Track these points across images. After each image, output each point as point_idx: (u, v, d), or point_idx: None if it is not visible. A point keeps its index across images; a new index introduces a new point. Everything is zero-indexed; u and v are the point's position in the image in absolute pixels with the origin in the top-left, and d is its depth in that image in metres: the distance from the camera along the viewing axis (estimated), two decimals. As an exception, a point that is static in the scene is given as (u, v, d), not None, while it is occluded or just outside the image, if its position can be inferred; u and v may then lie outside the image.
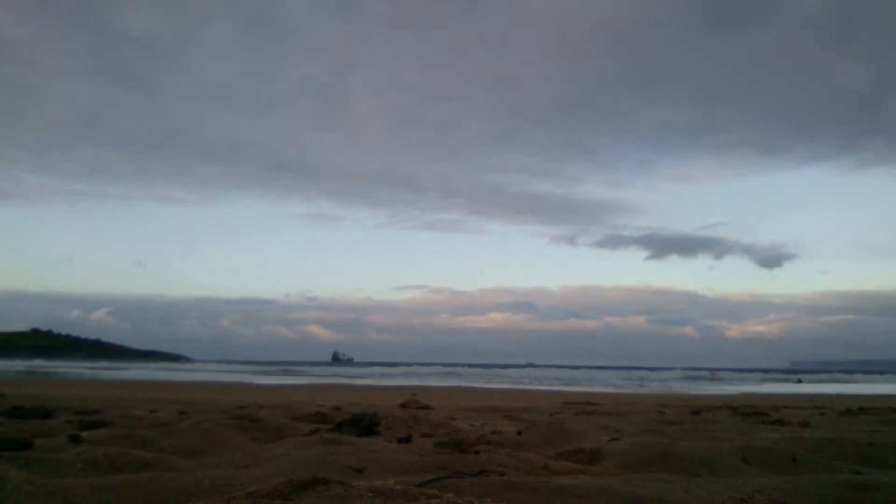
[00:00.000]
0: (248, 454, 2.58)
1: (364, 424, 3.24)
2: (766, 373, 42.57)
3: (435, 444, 2.81)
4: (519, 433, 3.25)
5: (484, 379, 27.28)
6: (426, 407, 5.38)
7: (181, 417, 3.80)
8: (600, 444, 2.69)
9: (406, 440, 2.90)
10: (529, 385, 16.76)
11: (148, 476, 1.86)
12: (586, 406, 6.31)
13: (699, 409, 5.63)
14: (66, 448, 2.46)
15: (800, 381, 30.35)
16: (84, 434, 2.85)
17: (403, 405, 5.60)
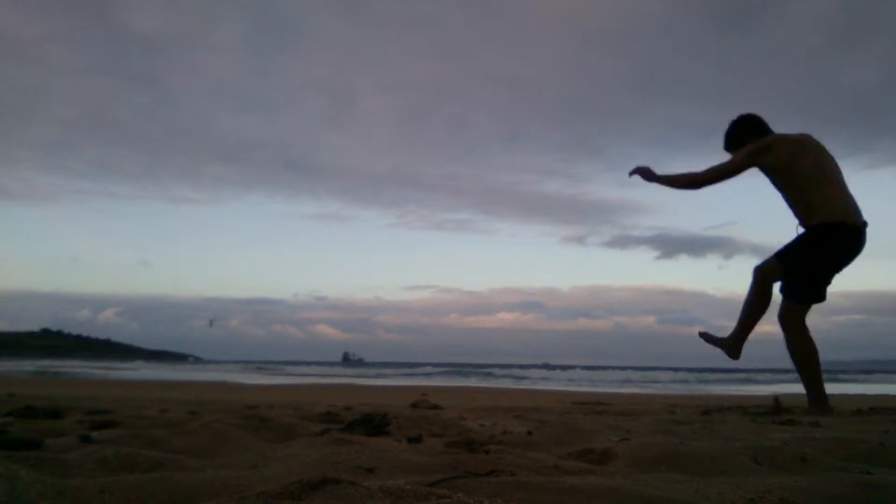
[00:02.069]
0: (259, 454, 2.58)
1: (374, 424, 3.23)
2: (776, 373, 42.40)
3: (445, 443, 2.81)
4: (529, 433, 3.24)
5: (494, 379, 27.29)
6: (436, 407, 5.37)
7: (191, 417, 3.81)
8: (610, 444, 2.68)
9: (416, 440, 2.90)
10: (539, 385, 16.75)
11: (158, 476, 1.86)
12: (596, 406, 6.29)
13: (709, 409, 5.61)
14: (76, 448, 2.47)
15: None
16: (94, 434, 2.85)
17: (414, 405, 5.60)
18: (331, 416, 4.08)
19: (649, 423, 3.95)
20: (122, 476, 1.89)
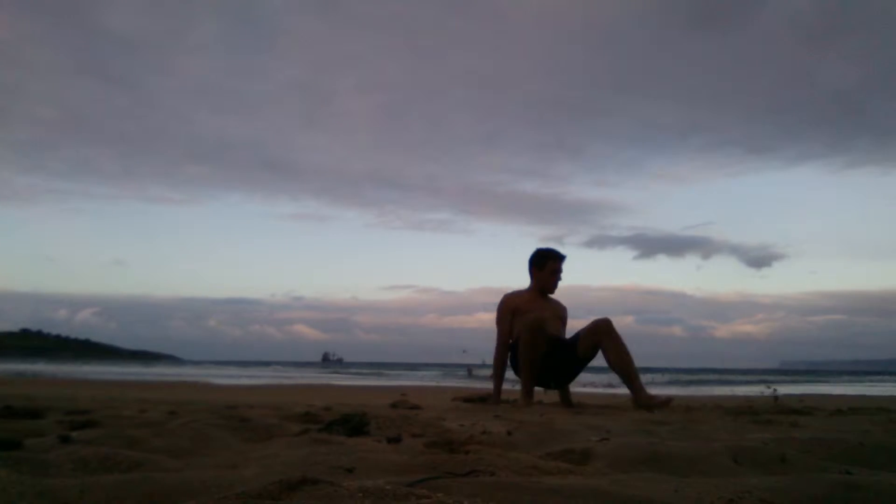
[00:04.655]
0: (238, 454, 2.57)
1: (354, 424, 3.23)
2: (755, 373, 42.75)
3: (425, 443, 2.81)
4: (509, 433, 3.24)
5: (474, 379, 27.27)
6: (416, 407, 5.37)
7: (171, 417, 3.78)
8: (590, 444, 2.69)
9: (396, 440, 2.90)
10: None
11: (138, 476, 1.85)
12: (577, 406, 6.32)
13: (689, 409, 5.64)
14: (55, 448, 2.44)
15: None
16: (74, 434, 2.83)
17: (393, 405, 5.59)
18: (310, 417, 4.06)
19: (629, 424, 3.97)
20: (102, 476, 1.87)
